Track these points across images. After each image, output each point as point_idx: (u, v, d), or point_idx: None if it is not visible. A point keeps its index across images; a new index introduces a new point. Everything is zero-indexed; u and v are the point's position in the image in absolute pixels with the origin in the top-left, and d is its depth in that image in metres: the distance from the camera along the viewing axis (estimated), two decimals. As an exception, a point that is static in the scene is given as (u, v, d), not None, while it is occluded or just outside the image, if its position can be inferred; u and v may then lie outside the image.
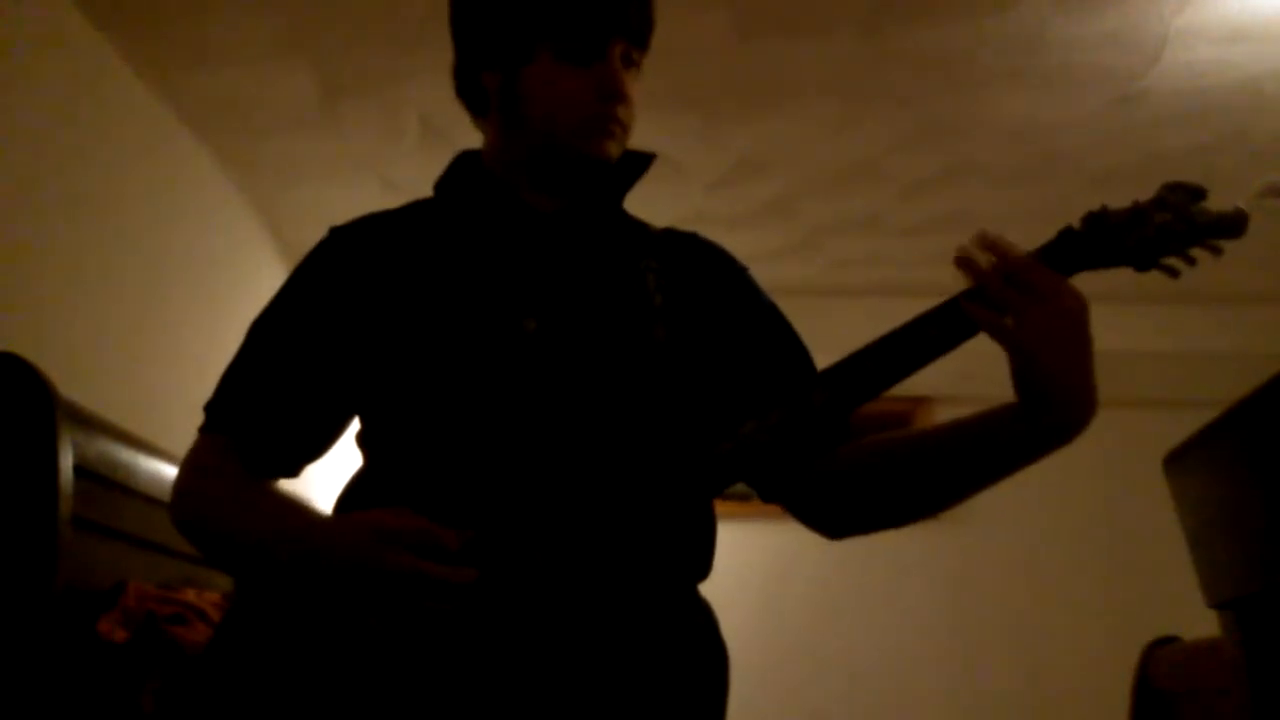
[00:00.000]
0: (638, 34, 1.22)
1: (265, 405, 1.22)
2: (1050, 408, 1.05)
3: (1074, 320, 1.04)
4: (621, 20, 1.19)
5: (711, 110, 3.16)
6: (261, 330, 1.26)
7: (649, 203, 1.33)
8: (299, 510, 1.15)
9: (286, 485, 1.27)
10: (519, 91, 1.22)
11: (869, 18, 2.71)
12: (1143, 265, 1.12)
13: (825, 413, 1.09)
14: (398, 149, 3.33)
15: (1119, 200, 1.13)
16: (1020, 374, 1.05)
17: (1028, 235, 1.14)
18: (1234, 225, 1.11)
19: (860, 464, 1.21)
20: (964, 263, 1.08)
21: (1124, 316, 4.33)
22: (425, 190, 1.33)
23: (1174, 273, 1.13)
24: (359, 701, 1.05)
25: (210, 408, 1.24)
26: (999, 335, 1.05)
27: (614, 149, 1.22)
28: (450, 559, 1.03)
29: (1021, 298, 1.05)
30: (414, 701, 1.04)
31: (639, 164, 1.29)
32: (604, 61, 1.19)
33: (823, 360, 1.28)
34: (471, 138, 1.33)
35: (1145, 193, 1.14)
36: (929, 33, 2.77)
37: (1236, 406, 1.42)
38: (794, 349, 1.30)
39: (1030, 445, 1.09)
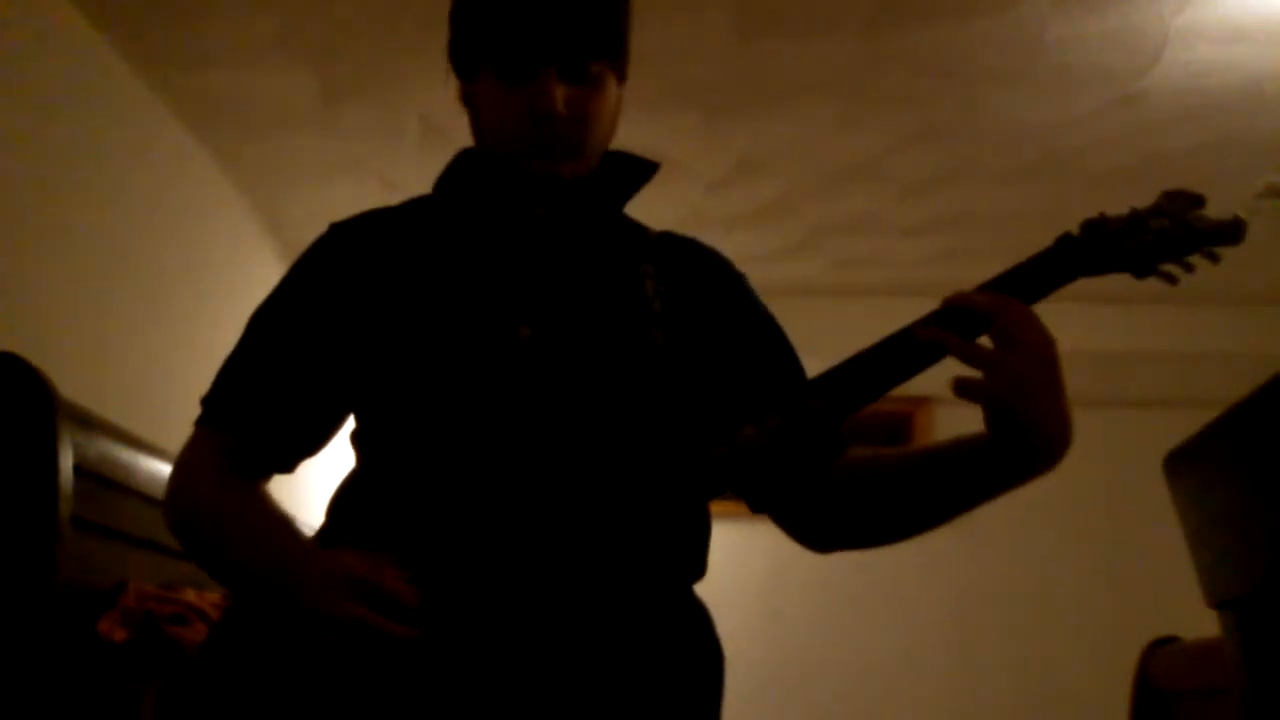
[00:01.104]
0: (572, 54, 1.17)
1: (263, 402, 1.21)
2: (1023, 449, 1.04)
3: (1043, 363, 1.02)
4: (550, 43, 1.15)
5: (711, 110, 3.16)
6: (260, 325, 1.26)
7: (648, 202, 1.33)
8: (278, 536, 1.14)
9: (282, 481, 1.27)
10: (470, 104, 1.24)
11: (869, 18, 2.71)
12: (1141, 272, 1.12)
13: (822, 417, 1.09)
14: (398, 149, 3.33)
15: (1118, 200, 1.14)
16: (991, 424, 1.04)
17: (1028, 235, 1.14)
18: (1232, 232, 1.12)
19: (848, 481, 1.20)
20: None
21: (1124, 316, 4.34)
22: (425, 190, 1.33)
23: (1172, 279, 1.13)
24: (354, 702, 1.05)
25: (207, 402, 1.24)
26: (970, 395, 1.03)
27: (563, 167, 1.20)
28: (405, 615, 1.03)
29: (986, 351, 1.03)
30: (412, 701, 1.04)
31: (641, 171, 1.28)
32: (535, 82, 1.16)
33: (821, 360, 1.28)
34: (471, 138, 1.33)
35: (1145, 192, 1.15)
36: (929, 33, 2.77)
37: (1236, 406, 1.42)
38: (785, 358, 1.30)
39: (1005, 478, 1.09)
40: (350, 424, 1.26)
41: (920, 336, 1.06)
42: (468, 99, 1.25)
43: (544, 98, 1.15)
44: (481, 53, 1.18)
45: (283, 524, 1.16)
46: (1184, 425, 1.63)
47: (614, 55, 1.20)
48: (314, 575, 1.06)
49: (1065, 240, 1.12)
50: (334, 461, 1.33)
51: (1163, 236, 1.11)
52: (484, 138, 1.24)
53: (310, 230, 1.31)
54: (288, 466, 1.25)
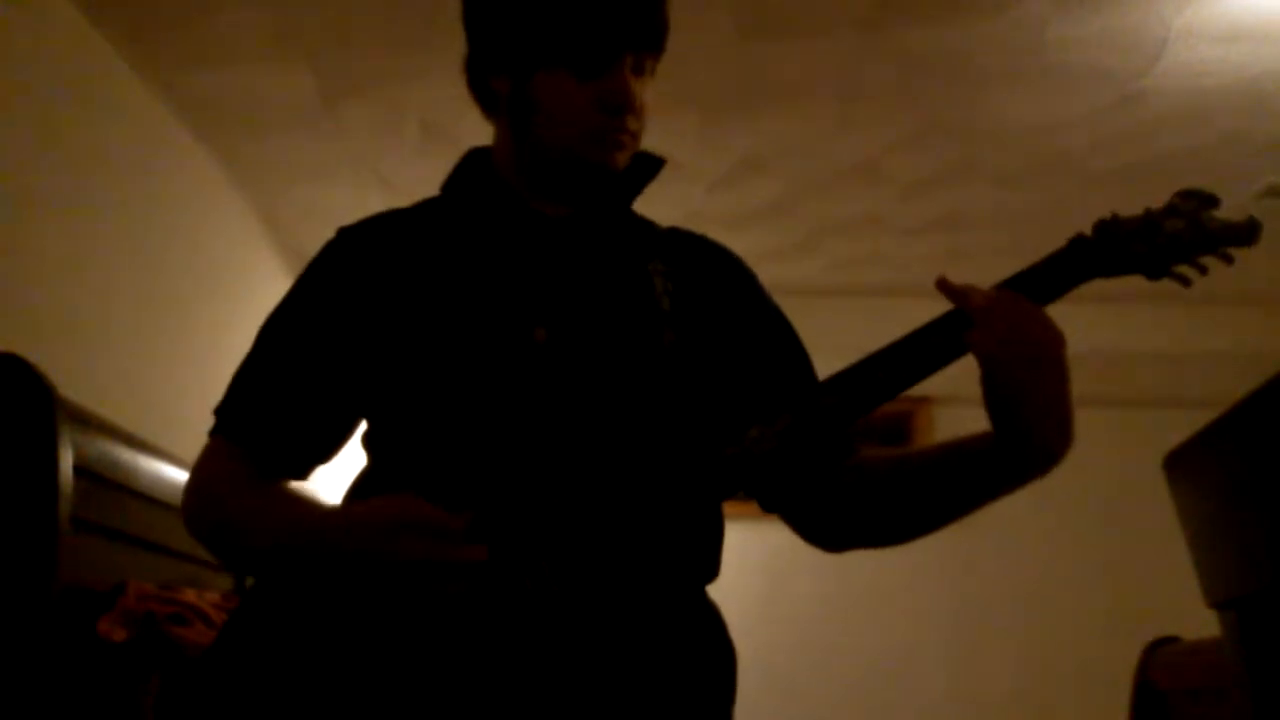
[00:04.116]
0: (649, 43, 1.20)
1: (275, 410, 1.22)
2: (1021, 446, 1.05)
3: (1046, 357, 1.03)
4: (630, 33, 1.17)
5: (711, 110, 3.16)
6: (270, 333, 1.26)
7: (649, 203, 1.33)
8: (309, 505, 1.15)
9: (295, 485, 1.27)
10: (528, 100, 1.20)
11: (869, 18, 2.70)
12: (1154, 273, 1.12)
13: (833, 418, 1.09)
14: (398, 149, 3.33)
15: (1118, 200, 1.14)
16: (993, 416, 1.05)
17: (1027, 235, 1.14)
18: (1246, 234, 1.11)
19: (858, 481, 1.21)
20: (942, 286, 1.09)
21: (1124, 316, 4.34)
22: (425, 190, 1.33)
23: (1185, 281, 1.13)
24: (365, 697, 1.05)
25: (220, 412, 1.24)
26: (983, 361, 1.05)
27: (622, 159, 1.21)
28: (458, 540, 1.02)
29: (992, 337, 1.04)
30: (420, 702, 1.04)
31: (648, 167, 1.28)
32: (612, 74, 1.17)
33: (821, 359, 1.29)
34: (472, 138, 1.32)
35: (1145, 192, 1.15)
36: (929, 33, 2.77)
37: (1236, 406, 1.42)
38: (796, 357, 1.30)
39: (1006, 477, 1.09)
40: (361, 426, 1.26)
41: (940, 287, 1.07)
42: (511, 99, 1.22)
43: (623, 90, 1.17)
44: (553, 43, 1.17)
45: (307, 500, 1.16)
46: (1184, 425, 1.63)
47: (663, 49, 1.23)
48: (358, 530, 1.05)
49: (1078, 242, 1.11)
50: (340, 462, 1.33)
51: (1176, 237, 1.10)
52: (540, 134, 1.21)
53: (310, 230, 1.32)
54: (302, 474, 1.25)
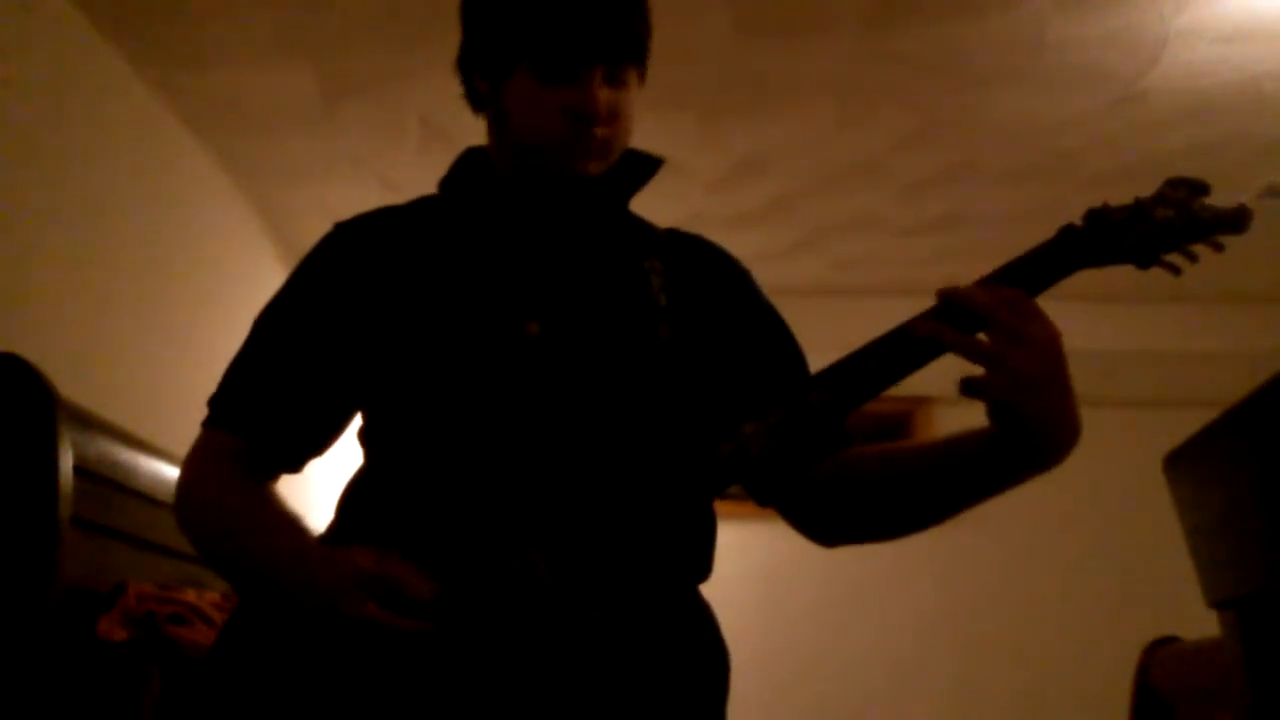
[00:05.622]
0: (619, 55, 1.19)
1: (269, 402, 1.22)
2: (1027, 445, 1.04)
3: (1047, 358, 1.01)
4: (597, 46, 1.16)
5: (711, 110, 3.16)
6: (265, 325, 1.26)
7: (648, 203, 1.33)
8: (290, 535, 1.15)
9: (288, 482, 1.27)
10: (502, 103, 1.21)
11: (869, 17, 2.70)
12: (1144, 262, 1.11)
13: (825, 412, 1.09)
14: (398, 149, 3.33)
15: (1118, 200, 1.13)
16: (995, 420, 1.03)
17: (1028, 235, 1.14)
18: (1236, 221, 1.10)
19: (854, 475, 1.20)
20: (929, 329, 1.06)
21: (1124, 316, 4.34)
22: (425, 190, 1.33)
23: (1175, 270, 1.12)
24: (359, 706, 1.05)
25: (214, 403, 1.24)
26: (976, 394, 1.02)
27: (594, 167, 1.20)
28: (419, 610, 1.03)
29: (988, 347, 1.02)
30: (412, 703, 1.04)
31: (644, 168, 1.28)
32: (579, 84, 1.16)
33: (821, 359, 1.28)
34: (472, 138, 1.33)
35: (1144, 192, 1.14)
36: (929, 33, 2.77)
37: (1236, 406, 1.42)
38: (790, 355, 1.30)
39: (1010, 474, 1.08)
40: (357, 422, 1.26)
41: (919, 332, 1.05)
42: (491, 99, 1.23)
43: (589, 100, 1.16)
44: (523, 51, 1.17)
45: (292, 523, 1.16)
46: (1184, 425, 1.63)
47: (644, 59, 1.22)
48: (325, 574, 1.07)
49: (1068, 231, 1.11)
50: (338, 461, 1.34)
51: (1166, 226, 1.09)
52: (513, 137, 1.22)
53: (310, 229, 1.32)
54: (295, 466, 1.26)
